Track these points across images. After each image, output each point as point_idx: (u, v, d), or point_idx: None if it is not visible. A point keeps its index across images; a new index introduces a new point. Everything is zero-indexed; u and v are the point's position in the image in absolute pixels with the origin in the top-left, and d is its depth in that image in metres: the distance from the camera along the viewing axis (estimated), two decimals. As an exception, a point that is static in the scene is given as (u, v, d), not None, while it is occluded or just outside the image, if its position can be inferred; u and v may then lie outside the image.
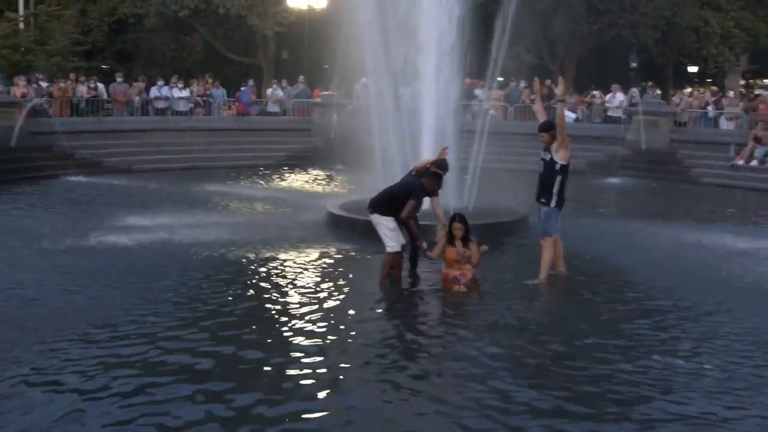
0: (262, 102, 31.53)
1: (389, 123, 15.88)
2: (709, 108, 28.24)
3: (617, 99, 28.96)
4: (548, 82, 26.38)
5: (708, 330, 8.65)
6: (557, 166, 10.44)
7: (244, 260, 11.71)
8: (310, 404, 6.35)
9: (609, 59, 37.70)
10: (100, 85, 28.50)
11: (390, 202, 10.22)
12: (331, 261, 11.84)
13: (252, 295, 9.80)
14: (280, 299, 9.56)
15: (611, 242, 13.59)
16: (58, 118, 24.91)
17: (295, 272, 11.00)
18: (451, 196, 13.99)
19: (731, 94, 29.19)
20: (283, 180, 23.39)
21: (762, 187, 22.33)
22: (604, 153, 25.97)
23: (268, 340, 8.00)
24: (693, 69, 45.35)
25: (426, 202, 10.60)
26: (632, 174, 24.49)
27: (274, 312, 9.01)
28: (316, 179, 23.70)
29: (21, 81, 26.12)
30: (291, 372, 7.06)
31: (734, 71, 43.38)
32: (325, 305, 9.27)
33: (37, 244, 12.56)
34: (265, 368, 7.17)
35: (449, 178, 11.87)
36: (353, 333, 8.24)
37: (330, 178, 23.66)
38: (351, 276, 10.92)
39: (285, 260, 11.78)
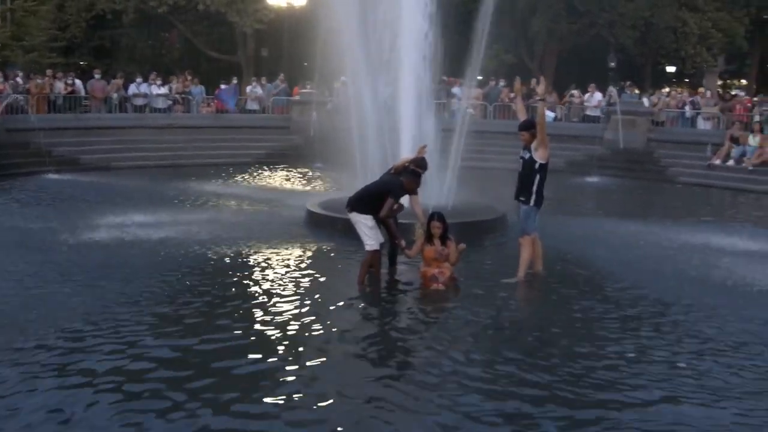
0: (241, 100, 31.43)
1: (368, 121, 15.88)
2: (687, 108, 28.48)
3: (595, 98, 29.13)
4: (533, 83, 26.52)
5: (683, 328, 8.74)
6: (536, 165, 10.49)
7: (222, 258, 11.67)
8: (286, 402, 6.35)
9: (588, 59, 37.89)
10: (78, 82, 28.34)
11: (369, 200, 10.23)
12: (310, 259, 11.84)
13: (230, 293, 9.77)
14: (258, 297, 9.55)
15: (589, 241, 13.67)
16: (35, 115, 24.68)
17: (273, 270, 11.00)
18: (429, 195, 14.01)
19: (708, 94, 29.42)
20: (263, 178, 23.35)
21: (738, 187, 22.56)
22: (582, 152, 26.09)
23: (246, 338, 7.98)
24: (671, 69, 45.66)
25: (404, 200, 10.62)
26: (610, 173, 24.64)
27: (251, 310, 8.98)
28: (295, 177, 23.66)
29: (-3, 77, 25.89)
30: (267, 369, 7.08)
31: (711, 71, 43.73)
32: (304, 303, 9.27)
33: (11, 242, 12.47)
34: (242, 365, 7.15)
35: (428, 177, 11.88)
36: (331, 331, 8.24)
37: (309, 176, 23.63)
38: (330, 274, 10.94)
39: (264, 258, 11.77)
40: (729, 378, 7.17)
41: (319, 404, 6.33)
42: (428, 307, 9.45)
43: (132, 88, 28.65)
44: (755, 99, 29.78)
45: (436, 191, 14.76)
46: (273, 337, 7.99)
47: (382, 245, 10.34)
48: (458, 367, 7.18)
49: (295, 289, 9.95)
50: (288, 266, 11.27)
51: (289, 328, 8.31)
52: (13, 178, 20.55)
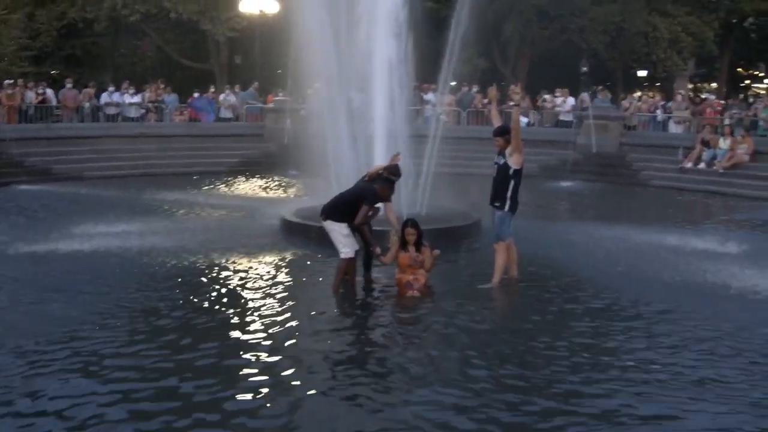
0: (215, 108, 31.31)
1: (342, 128, 15.88)
2: (658, 112, 28.74)
3: (568, 103, 29.31)
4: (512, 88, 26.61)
5: (656, 331, 8.80)
6: (511, 171, 10.53)
7: (197, 267, 11.62)
8: (260, 409, 6.35)
9: (560, 64, 38.10)
10: (49, 91, 28.12)
11: (343, 208, 10.23)
12: (285, 267, 11.81)
13: (205, 301, 9.71)
14: (232, 305, 9.50)
15: (563, 245, 13.74)
16: (5, 125, 24.44)
17: (248, 279, 10.96)
18: (403, 202, 14.03)
19: (679, 98, 29.71)
20: (237, 186, 23.25)
21: (709, 189, 22.81)
22: (555, 157, 26.27)
23: (219, 346, 7.94)
24: (642, 73, 46.06)
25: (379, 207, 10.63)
26: (583, 177, 24.82)
27: (226, 318, 8.96)
28: (269, 185, 23.59)
29: (-32, 87, 25.66)
30: (242, 376, 7.07)
31: (682, 75, 44.17)
32: (279, 311, 9.26)
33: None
34: (215, 373, 7.12)
35: (402, 184, 11.90)
36: (307, 339, 8.23)
37: (284, 183, 23.58)
38: (305, 282, 10.93)
39: (238, 267, 11.72)
40: (701, 381, 7.24)
41: (291, 412, 6.32)
42: (403, 313, 9.46)
43: (104, 97, 28.49)
44: (723, 102, 30.13)
45: (410, 198, 14.78)
46: (247, 345, 7.96)
47: (356, 252, 10.34)
48: (434, 374, 7.19)
49: (270, 297, 9.92)
50: (263, 275, 11.23)
51: (263, 335, 8.28)
52: (-16, 189, 20.35)
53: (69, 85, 28.14)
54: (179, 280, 10.86)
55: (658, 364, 7.65)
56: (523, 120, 27.32)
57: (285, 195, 21.56)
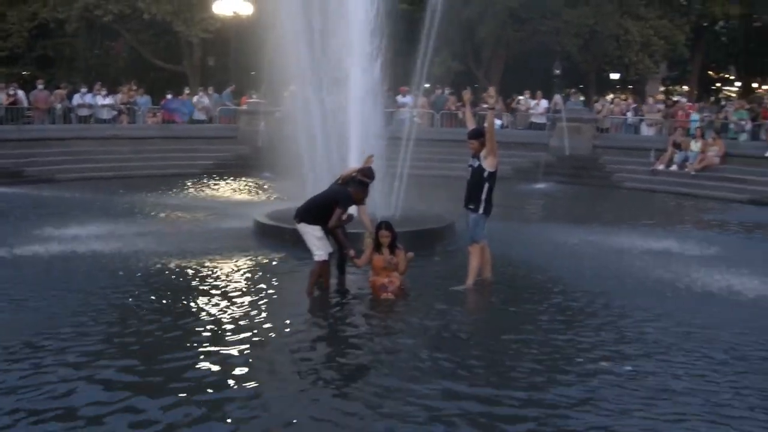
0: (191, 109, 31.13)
1: (316, 131, 15.87)
2: (629, 114, 28.98)
3: (541, 106, 29.46)
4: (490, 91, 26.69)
5: (627, 331, 8.89)
6: (485, 173, 10.57)
7: (169, 270, 11.56)
8: (233, 414, 6.33)
9: (534, 66, 38.30)
10: (21, 92, 27.81)
11: (317, 211, 10.22)
12: (259, 270, 11.77)
13: (177, 305, 9.66)
14: (205, 309, 9.46)
15: (537, 247, 13.83)
16: (-24, 127, 24.23)
17: (221, 281, 10.92)
18: (377, 204, 14.04)
19: (650, 100, 29.97)
20: (210, 188, 23.15)
21: (681, 191, 23.07)
22: (529, 159, 26.39)
23: (192, 350, 7.90)
24: (615, 76, 46.40)
25: (353, 210, 10.64)
26: (557, 179, 24.97)
27: (199, 321, 8.92)
28: (243, 187, 23.52)
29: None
30: (215, 382, 7.03)
31: (654, 78, 44.55)
32: (252, 314, 9.24)
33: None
34: (187, 378, 7.10)
35: (375, 186, 11.91)
36: (280, 342, 8.22)
37: (258, 186, 23.52)
38: (278, 285, 10.89)
39: (211, 270, 11.67)
40: (668, 379, 7.32)
41: (264, 415, 6.32)
42: (378, 316, 9.46)
43: (76, 99, 28.27)
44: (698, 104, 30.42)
45: (384, 200, 14.80)
46: (220, 348, 7.92)
47: (330, 255, 10.34)
48: (407, 376, 7.20)
49: (244, 300, 9.88)
50: (236, 278, 11.20)
51: (237, 339, 8.25)
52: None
53: (40, 87, 27.88)
54: (150, 283, 10.78)
55: (630, 363, 7.73)
56: (497, 122, 27.43)
57: (258, 197, 21.48)
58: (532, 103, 29.81)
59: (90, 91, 28.72)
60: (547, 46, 37.73)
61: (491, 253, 11.15)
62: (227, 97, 31.33)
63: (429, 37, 15.89)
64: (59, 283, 10.55)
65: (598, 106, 30.61)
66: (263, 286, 10.72)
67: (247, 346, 8.08)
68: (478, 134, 10.68)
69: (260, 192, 22.51)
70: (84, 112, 28.04)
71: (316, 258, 10.18)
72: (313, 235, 10.18)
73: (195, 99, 30.97)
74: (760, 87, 53.48)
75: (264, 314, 9.27)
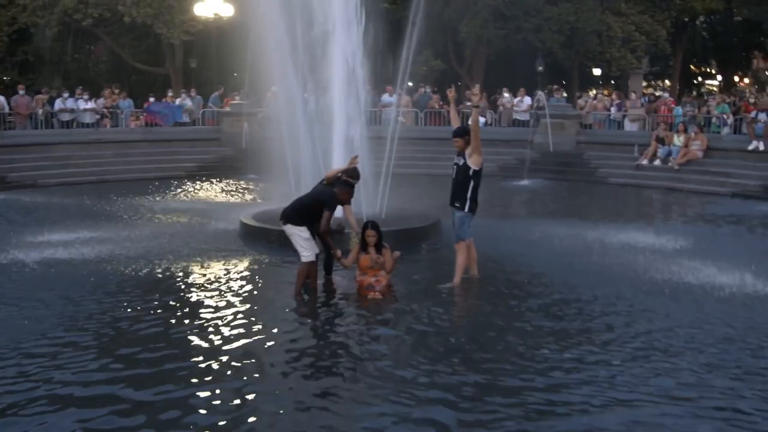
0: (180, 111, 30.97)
1: (300, 131, 15.83)
2: (612, 110, 29.09)
3: (525, 102, 29.51)
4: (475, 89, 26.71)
5: (613, 329, 8.91)
6: (471, 171, 10.58)
7: (155, 274, 11.50)
8: (222, 415, 6.31)
9: (516, 63, 38.36)
10: (1, 98, 27.57)
11: (303, 212, 10.20)
12: (245, 272, 11.75)
13: (164, 307, 9.61)
14: (192, 312, 9.42)
15: (523, 244, 13.84)
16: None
17: (208, 284, 10.87)
18: (363, 204, 14.03)
19: (633, 96, 30.09)
20: (195, 191, 23.02)
21: (665, 186, 23.20)
22: (513, 156, 26.42)
23: (179, 353, 7.86)
24: (597, 72, 46.56)
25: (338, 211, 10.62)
26: (541, 176, 24.99)
27: (186, 324, 8.87)
28: (228, 189, 23.43)
29: None
30: (202, 383, 7.00)
31: (636, 73, 44.73)
32: (240, 316, 9.20)
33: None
34: (174, 381, 7.06)
35: (361, 186, 11.90)
36: (268, 344, 8.20)
37: (242, 187, 23.45)
38: (266, 286, 10.88)
39: (198, 272, 11.63)
40: (655, 379, 7.32)
41: (253, 417, 6.30)
42: (365, 315, 9.44)
43: (58, 103, 28.06)
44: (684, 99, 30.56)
45: (370, 200, 14.78)
46: (208, 351, 7.89)
47: (317, 256, 10.32)
48: (396, 376, 7.19)
49: (230, 301, 9.85)
50: (223, 280, 11.14)
51: (224, 341, 8.22)
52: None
53: (22, 92, 27.66)
54: (137, 286, 10.72)
55: (617, 359, 7.75)
56: (481, 120, 27.44)
57: (244, 199, 21.41)
58: (515, 100, 29.83)
59: (72, 95, 28.54)
60: (530, 43, 37.81)
61: (477, 250, 11.15)
62: (215, 101, 31.20)
63: (411, 36, 15.88)
64: (44, 290, 10.43)
65: (581, 102, 30.70)
66: (250, 287, 10.69)
67: (235, 346, 8.04)
68: (462, 132, 10.68)
69: (245, 194, 22.43)
70: (66, 116, 27.83)
71: (304, 259, 10.16)
72: (299, 236, 10.16)
73: (177, 101, 30.70)
74: (741, 80, 53.89)
75: (250, 315, 9.23)
